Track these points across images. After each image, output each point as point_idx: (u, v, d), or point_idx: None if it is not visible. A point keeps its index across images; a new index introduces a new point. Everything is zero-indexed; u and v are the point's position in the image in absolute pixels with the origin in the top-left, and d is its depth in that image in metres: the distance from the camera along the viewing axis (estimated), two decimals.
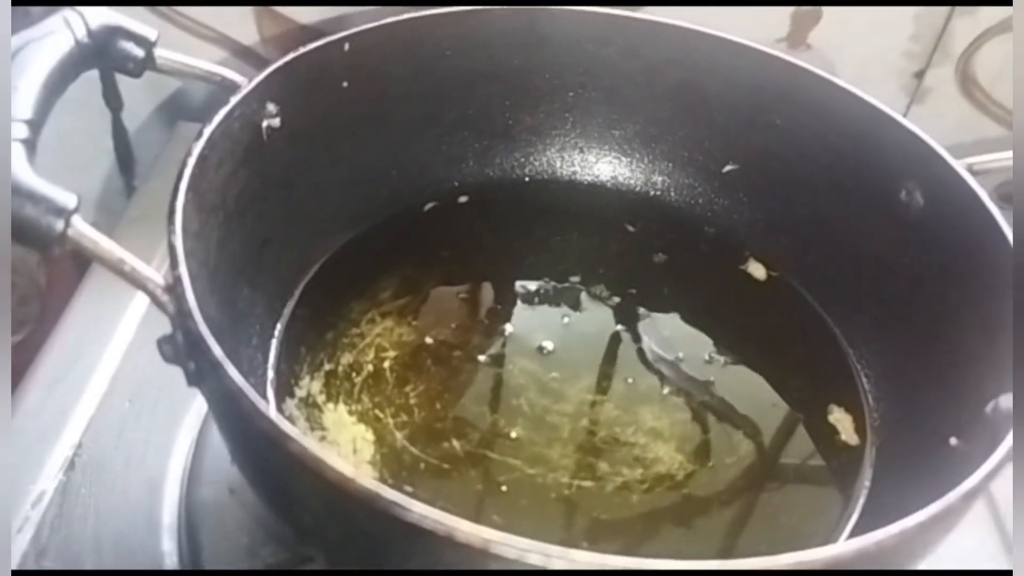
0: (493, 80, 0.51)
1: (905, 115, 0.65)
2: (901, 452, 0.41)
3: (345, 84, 0.46)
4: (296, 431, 0.26)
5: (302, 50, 0.43)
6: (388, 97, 0.48)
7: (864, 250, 0.46)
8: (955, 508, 0.28)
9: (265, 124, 0.42)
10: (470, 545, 0.25)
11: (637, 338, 0.47)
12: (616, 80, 0.52)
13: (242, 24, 0.60)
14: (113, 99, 0.64)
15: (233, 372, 0.28)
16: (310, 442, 0.26)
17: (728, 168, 0.52)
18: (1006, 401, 0.33)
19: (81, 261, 0.57)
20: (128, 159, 0.68)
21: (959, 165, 0.42)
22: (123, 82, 0.64)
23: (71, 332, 0.50)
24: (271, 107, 0.42)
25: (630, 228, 0.52)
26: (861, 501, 0.41)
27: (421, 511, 0.25)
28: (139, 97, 0.66)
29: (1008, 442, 0.30)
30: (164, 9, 0.59)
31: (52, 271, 0.65)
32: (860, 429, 0.43)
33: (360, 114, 0.47)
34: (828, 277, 0.48)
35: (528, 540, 0.25)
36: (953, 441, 0.37)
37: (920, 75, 0.64)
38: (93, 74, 0.63)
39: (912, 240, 0.44)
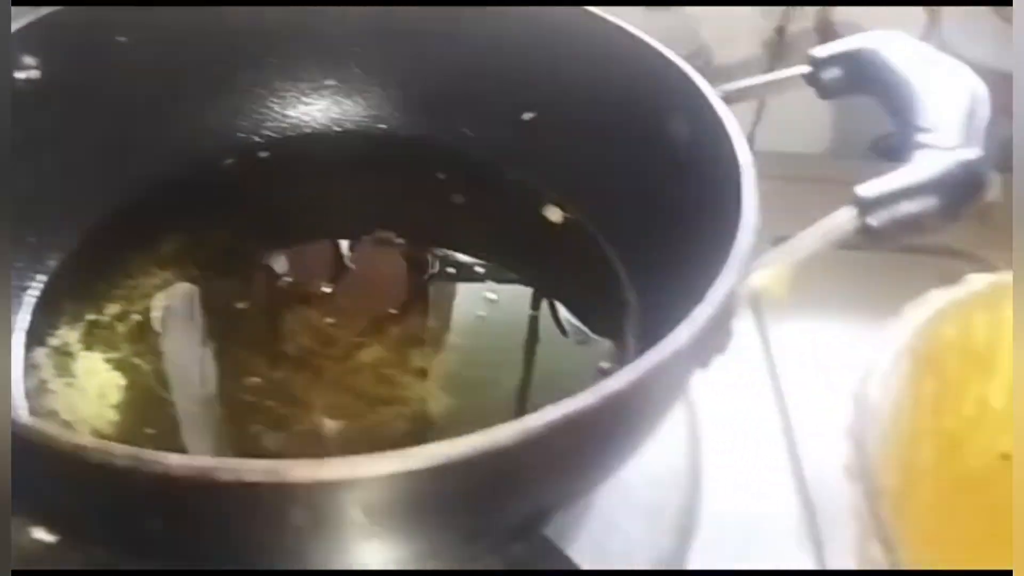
0: (288, 33, 0.51)
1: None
2: None
3: (123, 39, 0.46)
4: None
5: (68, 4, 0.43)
6: (174, 51, 0.48)
7: (645, 188, 0.46)
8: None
9: (23, 76, 0.42)
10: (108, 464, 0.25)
11: (420, 281, 0.47)
12: (414, 32, 0.51)
13: None
14: None
15: None
16: None
17: (526, 116, 0.51)
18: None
19: None
20: None
21: (712, 92, 0.41)
22: None
23: None
24: (29, 59, 0.42)
25: (427, 177, 0.52)
26: None
27: (97, 446, 0.25)
28: None
29: (666, 350, 0.30)
30: None
31: None
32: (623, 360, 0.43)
33: (140, 69, 0.47)
34: (616, 217, 0.48)
35: (176, 455, 0.25)
36: None
37: (780, 31, 0.65)
38: None
39: (681, 174, 0.44)
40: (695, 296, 0.38)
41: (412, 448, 0.27)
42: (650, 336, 0.42)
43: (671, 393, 0.33)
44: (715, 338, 0.32)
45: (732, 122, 0.40)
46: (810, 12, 0.64)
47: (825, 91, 0.41)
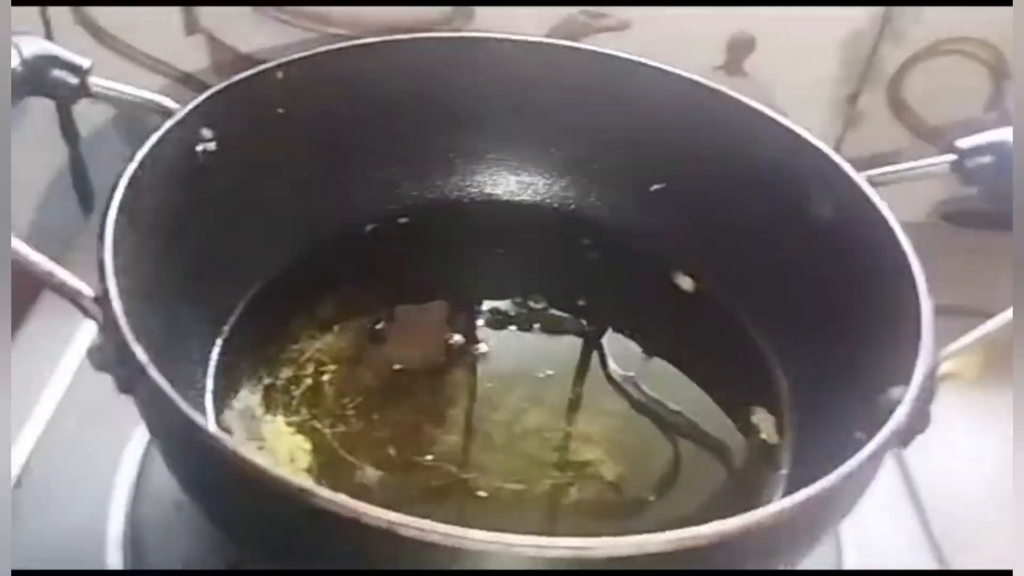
0: (429, 105, 0.53)
1: (840, 139, 0.68)
2: (814, 447, 0.43)
3: (281, 110, 0.48)
4: (205, 421, 0.28)
5: (235, 78, 0.45)
6: (324, 123, 0.50)
7: (781, 261, 0.49)
8: (836, 488, 0.30)
9: (200, 148, 0.44)
10: (375, 528, 0.27)
11: (570, 348, 0.49)
12: (549, 104, 0.54)
13: (190, 55, 0.62)
14: (69, 131, 0.66)
15: (154, 374, 0.30)
16: (222, 434, 0.27)
17: (656, 187, 0.54)
18: (897, 393, 0.35)
19: (30, 288, 0.59)
20: (86, 191, 0.69)
21: (860, 178, 0.44)
22: (81, 112, 0.66)
23: (21, 356, 0.51)
24: (206, 132, 0.44)
25: (565, 246, 0.55)
26: (779, 494, 0.42)
27: (327, 496, 0.27)
28: (98, 126, 0.67)
29: (887, 431, 0.32)
30: (109, 37, 0.61)
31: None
32: (780, 428, 0.45)
33: (297, 139, 0.49)
34: (750, 288, 0.50)
35: (429, 521, 0.27)
36: (858, 434, 0.39)
37: (852, 100, 0.67)
38: (51, 107, 0.65)
39: (824, 251, 0.46)
40: (864, 376, 0.41)
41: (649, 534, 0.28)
42: (811, 408, 0.45)
43: (872, 477, 0.35)
44: (918, 420, 0.34)
45: (885, 208, 0.43)
46: (882, 82, 0.66)
47: (970, 178, 0.44)
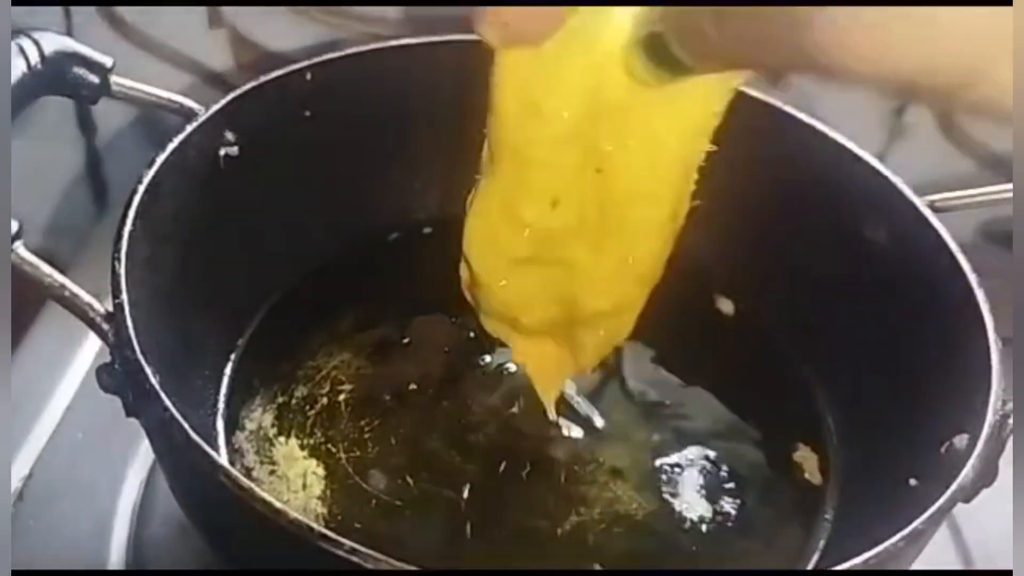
0: (457, 111, 0.50)
1: (884, 153, 0.65)
2: (863, 492, 0.40)
3: (307, 113, 0.46)
4: (223, 460, 0.25)
5: (263, 79, 0.43)
6: (351, 127, 0.48)
7: (830, 287, 0.46)
8: (908, 543, 0.28)
9: (223, 152, 0.42)
10: None
11: (602, 374, 0.47)
12: None
13: (214, 51, 0.60)
14: (87, 124, 0.64)
15: (166, 401, 0.27)
16: (237, 474, 0.25)
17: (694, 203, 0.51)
18: (959, 442, 0.33)
19: (34, 299, 0.56)
20: (100, 185, 0.67)
21: (921, 202, 0.42)
22: (98, 109, 0.64)
23: (26, 363, 0.49)
24: (229, 135, 0.42)
25: None
26: (823, 541, 0.40)
27: (350, 546, 0.24)
28: (115, 123, 0.65)
29: (958, 482, 0.30)
30: (133, 32, 0.58)
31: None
32: (824, 468, 0.43)
33: (323, 144, 0.47)
34: (796, 314, 0.48)
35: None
36: (912, 482, 0.36)
37: (899, 113, 0.64)
38: (68, 100, 0.63)
39: (877, 278, 0.44)
40: (921, 418, 0.38)
41: None
42: (858, 448, 0.43)
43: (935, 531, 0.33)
44: (985, 474, 0.31)
45: (947, 235, 0.40)
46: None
47: None
